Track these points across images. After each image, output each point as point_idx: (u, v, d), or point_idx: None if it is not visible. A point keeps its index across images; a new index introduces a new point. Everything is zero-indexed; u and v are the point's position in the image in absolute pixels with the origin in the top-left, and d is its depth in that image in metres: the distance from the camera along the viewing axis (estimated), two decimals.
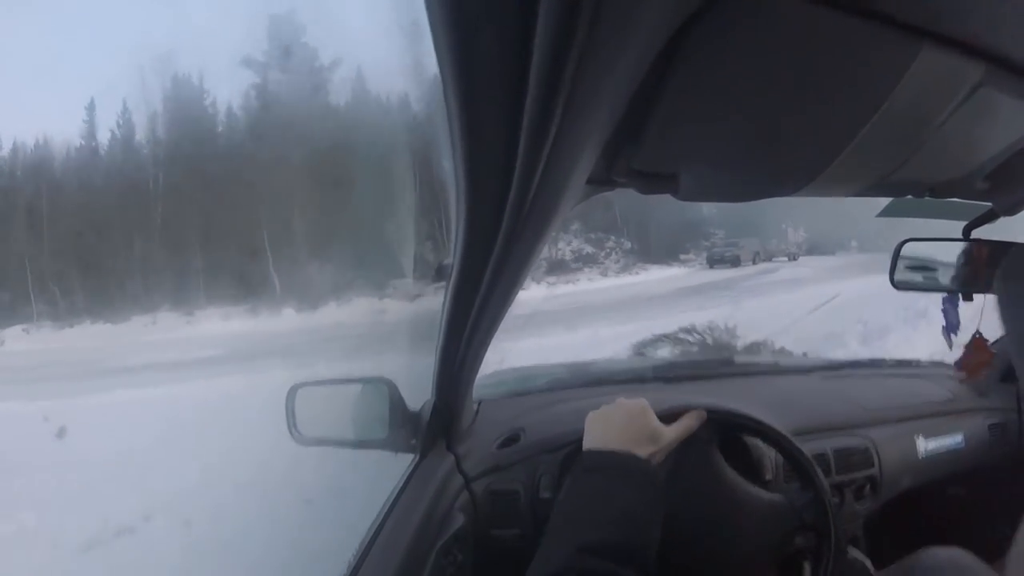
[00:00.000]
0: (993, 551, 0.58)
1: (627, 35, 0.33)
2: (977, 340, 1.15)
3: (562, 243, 22.60)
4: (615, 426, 0.71)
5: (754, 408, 1.00)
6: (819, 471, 0.88)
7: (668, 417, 0.77)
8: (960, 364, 1.22)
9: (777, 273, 15.32)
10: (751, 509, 0.87)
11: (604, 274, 21.15)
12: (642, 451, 0.67)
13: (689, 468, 0.85)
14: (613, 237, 23.77)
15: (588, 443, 0.70)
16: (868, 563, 0.99)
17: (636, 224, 22.79)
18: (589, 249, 23.25)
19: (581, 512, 0.61)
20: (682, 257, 21.92)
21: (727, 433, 0.99)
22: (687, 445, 0.81)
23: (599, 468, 0.65)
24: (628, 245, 23.67)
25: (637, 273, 20.61)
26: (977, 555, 0.86)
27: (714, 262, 19.39)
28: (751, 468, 1.00)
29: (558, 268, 21.09)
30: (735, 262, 18.55)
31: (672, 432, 0.73)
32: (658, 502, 0.64)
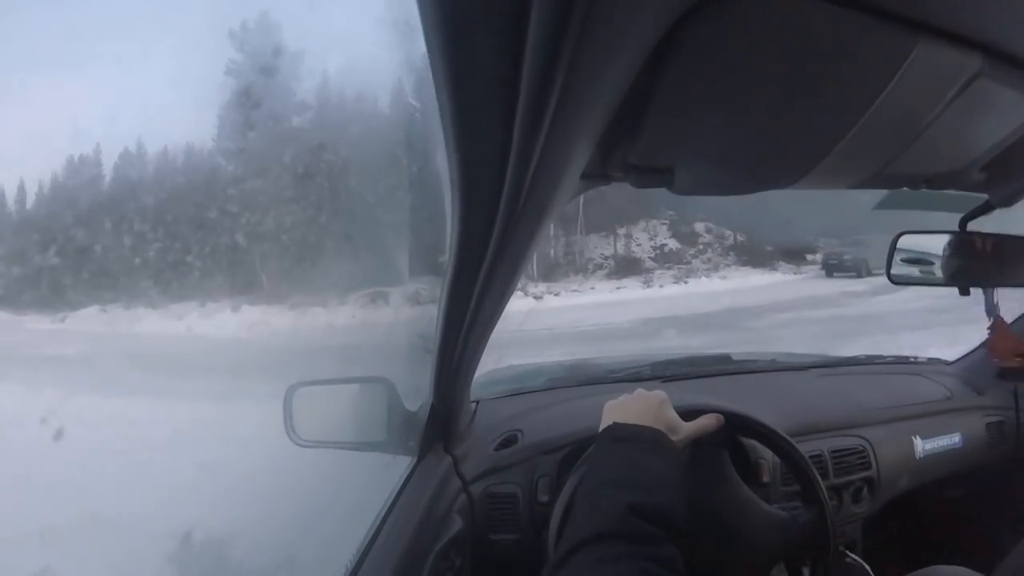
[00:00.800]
0: (993, 558, 0.58)
1: (622, 29, 0.33)
2: (1000, 323, 1.17)
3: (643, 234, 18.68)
4: (635, 411, 0.71)
5: (752, 407, 1.00)
6: (823, 488, 0.88)
7: (685, 414, 0.77)
8: (990, 348, 1.23)
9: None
10: (753, 516, 0.87)
11: (681, 278, 16.23)
12: None
13: (699, 466, 0.86)
14: (715, 228, 19.01)
15: (610, 422, 0.71)
16: (867, 567, 0.99)
17: (743, 215, 17.01)
18: (674, 245, 18.80)
19: (621, 477, 0.61)
20: (808, 258, 16.94)
21: (733, 436, 0.99)
22: (698, 445, 0.81)
23: (631, 439, 0.66)
24: (732, 239, 18.64)
25: (724, 277, 15.97)
26: (978, 560, 0.86)
27: (833, 268, 14.62)
28: (748, 469, 1.00)
29: (626, 268, 17.10)
30: (861, 269, 13.24)
31: (689, 428, 0.73)
32: (682, 479, 0.65)
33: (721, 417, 0.79)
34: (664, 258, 18.37)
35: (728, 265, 17.68)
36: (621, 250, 18.79)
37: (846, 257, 14.39)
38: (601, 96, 0.40)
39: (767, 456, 0.99)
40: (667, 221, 19.74)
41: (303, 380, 0.99)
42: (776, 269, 16.63)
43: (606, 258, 18.60)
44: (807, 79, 0.44)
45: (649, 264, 18.05)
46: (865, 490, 1.11)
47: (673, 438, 0.69)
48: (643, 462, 0.63)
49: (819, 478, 0.89)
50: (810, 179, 0.61)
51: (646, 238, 19.27)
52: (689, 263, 18.08)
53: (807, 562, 0.96)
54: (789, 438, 0.91)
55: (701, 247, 19.05)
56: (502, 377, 1.47)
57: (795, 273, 16.16)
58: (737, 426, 0.93)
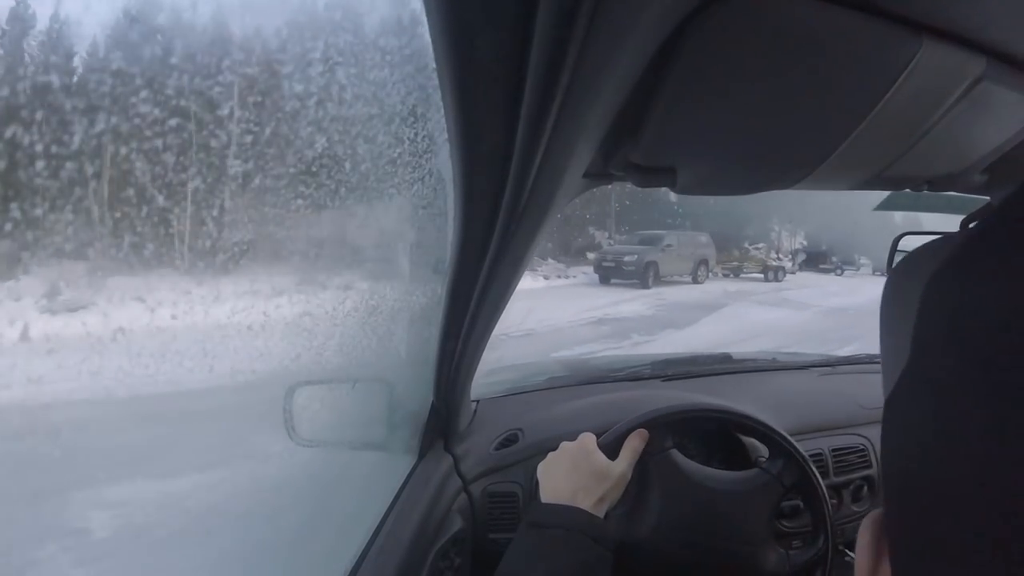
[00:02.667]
0: None
1: (627, 29, 0.33)
2: None
3: None
4: (562, 474, 0.72)
5: (752, 406, 1.00)
6: (823, 487, 0.89)
7: (613, 445, 0.78)
8: None
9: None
10: (730, 494, 0.87)
11: None
12: (592, 495, 0.69)
13: (656, 480, 0.86)
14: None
15: (542, 495, 0.72)
16: None
17: None
18: None
19: (517, 571, 0.62)
20: (589, 256, 14.12)
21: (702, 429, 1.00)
22: (645, 462, 0.83)
23: (541, 524, 0.66)
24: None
25: None
26: None
27: (609, 274, 11.94)
28: (743, 459, 1.00)
29: None
30: (645, 276, 11.44)
31: (620, 465, 0.74)
32: (600, 560, 0.63)
33: (643, 431, 0.79)
34: None
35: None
36: None
37: (627, 259, 11.71)
38: (605, 96, 0.40)
39: (767, 455, 0.99)
40: None
41: (303, 380, 0.99)
42: (537, 269, 12.47)
43: None
44: (811, 81, 0.44)
45: None
46: (865, 489, 1.11)
47: (606, 486, 0.70)
48: (546, 552, 0.63)
49: (819, 477, 0.90)
50: (812, 180, 0.61)
51: None
52: None
53: (816, 570, 0.96)
54: (789, 436, 0.91)
55: None
56: (502, 377, 1.47)
57: (563, 276, 13.05)
58: (737, 425, 0.93)
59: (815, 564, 0.88)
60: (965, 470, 0.20)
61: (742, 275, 15.21)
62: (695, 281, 13.07)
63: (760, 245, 17.01)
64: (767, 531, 0.86)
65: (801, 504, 0.97)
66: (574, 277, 13.16)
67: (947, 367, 0.21)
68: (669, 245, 12.67)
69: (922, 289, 0.23)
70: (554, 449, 1.04)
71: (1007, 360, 0.18)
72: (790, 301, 10.95)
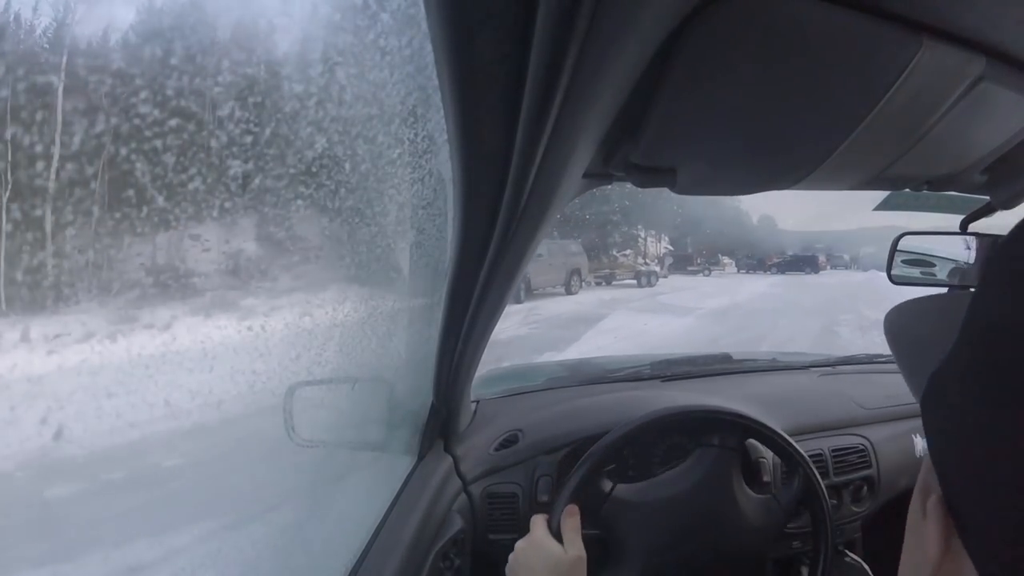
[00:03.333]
0: None
1: (627, 30, 0.33)
2: None
3: None
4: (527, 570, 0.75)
5: (752, 406, 1.00)
6: (823, 487, 0.90)
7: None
8: None
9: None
10: (746, 508, 0.88)
11: None
12: None
13: (619, 526, 0.88)
14: None
15: None
16: (866, 567, 0.99)
17: None
18: None
19: None
20: None
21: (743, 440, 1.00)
22: (600, 518, 0.86)
23: None
24: None
25: None
26: None
27: None
28: (748, 468, 1.00)
29: None
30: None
31: (570, 549, 0.75)
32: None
33: (573, 507, 0.80)
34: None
35: None
36: None
37: None
38: (605, 96, 0.40)
39: (767, 455, 0.99)
40: None
41: (303, 380, 0.98)
42: None
43: None
44: (811, 81, 0.44)
45: None
46: (865, 489, 1.11)
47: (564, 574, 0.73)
48: None
49: (819, 477, 0.90)
50: (812, 180, 0.61)
51: None
52: None
53: (806, 562, 0.97)
54: (789, 437, 0.91)
55: None
56: (502, 377, 1.47)
57: None
58: (736, 425, 0.93)
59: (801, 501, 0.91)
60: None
61: (614, 282, 15.12)
62: (568, 292, 12.77)
63: (627, 252, 17.09)
64: (765, 549, 0.87)
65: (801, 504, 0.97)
66: None
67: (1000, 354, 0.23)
68: (539, 255, 12.37)
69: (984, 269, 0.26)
70: (555, 450, 1.04)
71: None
72: (670, 306, 10.99)
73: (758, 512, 0.89)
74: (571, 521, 0.79)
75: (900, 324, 0.39)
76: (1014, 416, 0.22)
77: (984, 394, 0.24)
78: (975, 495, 0.25)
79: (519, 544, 0.79)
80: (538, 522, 0.80)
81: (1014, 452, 0.22)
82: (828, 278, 23.78)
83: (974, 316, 0.25)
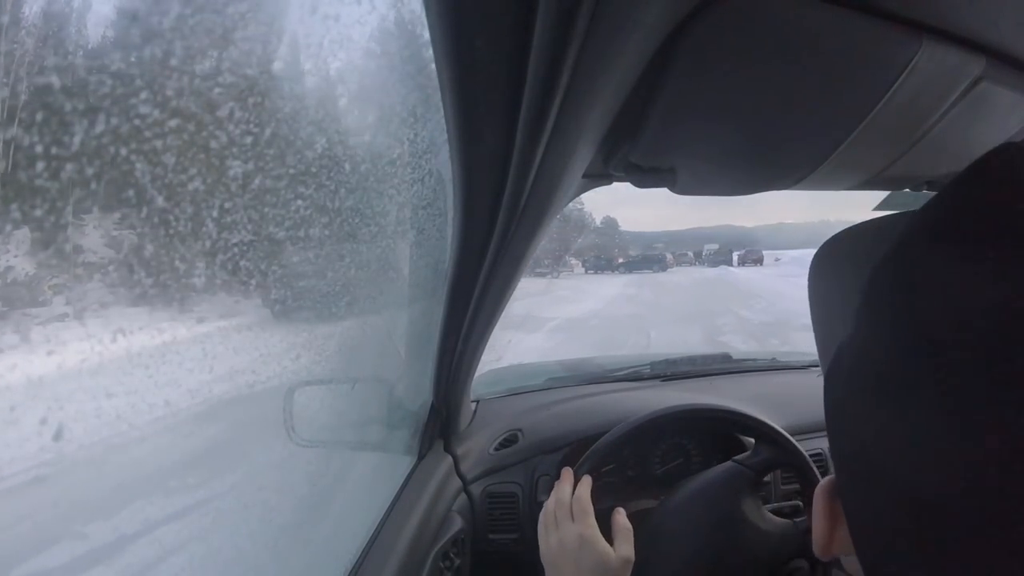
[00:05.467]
0: None
1: (627, 30, 0.33)
2: None
3: None
4: (569, 567, 0.71)
5: (752, 406, 1.00)
6: (788, 436, 0.90)
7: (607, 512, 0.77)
8: None
9: None
10: (756, 525, 0.87)
11: None
12: None
13: (726, 491, 0.87)
14: None
15: None
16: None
17: None
18: None
19: None
20: None
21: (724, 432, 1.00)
22: (729, 476, 0.86)
23: None
24: None
25: None
26: None
27: None
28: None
29: None
30: None
31: (620, 549, 0.72)
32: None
33: (621, 508, 0.78)
34: None
35: None
36: None
37: None
38: (604, 97, 0.40)
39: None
40: None
41: (303, 380, 0.98)
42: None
43: None
44: (810, 81, 0.44)
45: None
46: None
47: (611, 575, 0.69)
48: None
49: (820, 476, 0.90)
50: (812, 180, 0.61)
51: None
52: None
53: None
54: (789, 436, 0.91)
55: None
56: (502, 377, 1.47)
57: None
58: (737, 425, 0.94)
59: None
60: (907, 440, 0.21)
61: None
62: None
63: None
64: (764, 570, 0.87)
65: (801, 504, 0.97)
66: None
67: (894, 346, 0.23)
68: None
69: (870, 271, 0.24)
70: (555, 450, 1.04)
71: (954, 342, 0.20)
72: (532, 318, 9.63)
73: (768, 532, 0.87)
74: (622, 520, 0.75)
75: (820, 267, 0.37)
76: (909, 409, 0.22)
77: (876, 394, 0.23)
78: (862, 492, 0.24)
79: (564, 530, 0.74)
80: (586, 519, 0.75)
81: (900, 462, 0.21)
82: (678, 276, 23.64)
83: (869, 304, 0.24)
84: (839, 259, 0.36)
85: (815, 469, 0.90)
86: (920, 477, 0.21)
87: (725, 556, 0.85)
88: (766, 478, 1.02)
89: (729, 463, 0.90)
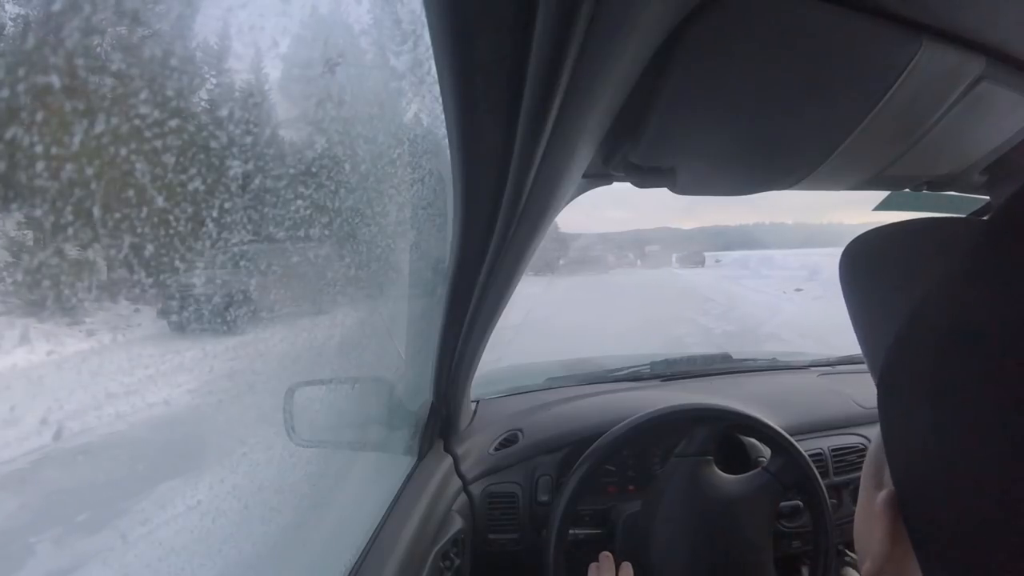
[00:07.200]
0: None
1: (627, 30, 0.33)
2: None
3: None
4: None
5: (752, 406, 1.00)
6: (823, 486, 0.90)
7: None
8: None
9: None
10: (737, 494, 0.88)
11: None
12: None
13: (679, 482, 0.88)
14: None
15: None
16: None
17: None
18: None
19: None
20: None
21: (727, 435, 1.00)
22: (677, 465, 0.88)
23: None
24: None
25: None
26: None
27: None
28: (749, 468, 1.00)
29: None
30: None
31: None
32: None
33: (627, 564, 0.81)
34: None
35: None
36: None
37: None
38: (605, 96, 0.40)
39: (767, 455, 0.99)
40: None
41: (303, 380, 0.98)
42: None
43: None
44: (810, 81, 0.44)
45: None
46: None
47: None
48: None
49: (819, 476, 0.90)
50: (812, 180, 0.61)
51: None
52: None
53: (807, 562, 0.97)
54: (789, 436, 0.91)
55: None
56: (502, 377, 1.47)
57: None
58: (737, 424, 0.94)
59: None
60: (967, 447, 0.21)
61: None
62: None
63: None
64: (767, 529, 0.87)
65: (801, 504, 0.97)
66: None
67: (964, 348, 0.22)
68: None
69: (939, 274, 0.24)
70: (555, 450, 1.04)
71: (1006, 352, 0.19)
72: None
73: (750, 489, 0.89)
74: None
75: (855, 267, 0.34)
76: (966, 420, 0.21)
77: (936, 396, 0.22)
78: (928, 498, 0.24)
79: None
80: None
81: (968, 458, 0.21)
82: (621, 277, 22.59)
83: (924, 310, 0.24)
84: (875, 258, 0.34)
85: (815, 469, 0.90)
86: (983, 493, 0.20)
87: (718, 538, 0.86)
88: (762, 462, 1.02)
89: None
